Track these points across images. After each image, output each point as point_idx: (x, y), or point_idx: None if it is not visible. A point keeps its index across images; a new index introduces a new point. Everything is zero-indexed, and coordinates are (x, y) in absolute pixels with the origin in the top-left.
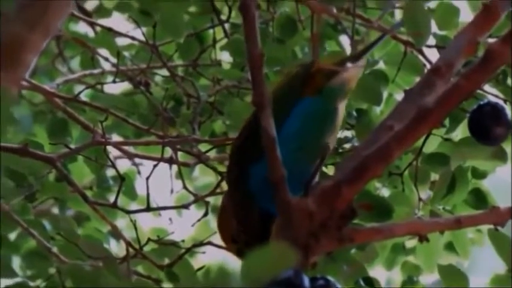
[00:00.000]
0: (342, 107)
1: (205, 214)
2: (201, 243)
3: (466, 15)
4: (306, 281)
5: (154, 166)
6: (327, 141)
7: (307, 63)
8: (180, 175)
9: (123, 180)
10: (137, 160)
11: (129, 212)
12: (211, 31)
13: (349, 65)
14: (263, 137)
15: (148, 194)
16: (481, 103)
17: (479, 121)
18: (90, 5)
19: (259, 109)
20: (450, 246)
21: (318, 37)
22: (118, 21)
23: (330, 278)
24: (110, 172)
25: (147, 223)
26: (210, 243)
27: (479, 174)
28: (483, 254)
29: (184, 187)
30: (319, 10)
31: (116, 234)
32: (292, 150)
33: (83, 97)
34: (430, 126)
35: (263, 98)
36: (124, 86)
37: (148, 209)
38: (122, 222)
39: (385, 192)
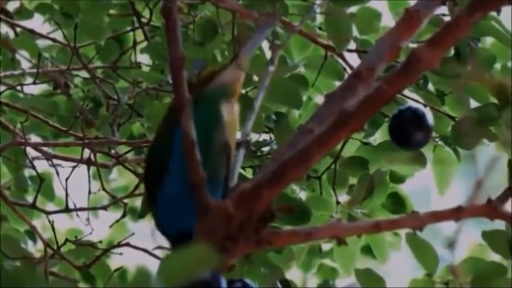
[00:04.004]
0: (230, 107)
1: (123, 215)
2: (119, 245)
3: (388, 20)
4: (223, 283)
5: (74, 167)
6: (221, 141)
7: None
8: (98, 176)
9: (42, 181)
10: (55, 161)
11: (48, 213)
12: (131, 33)
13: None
14: (183, 139)
15: (67, 195)
16: (402, 108)
17: (400, 126)
18: (10, 6)
19: (180, 111)
20: (368, 250)
21: (239, 41)
22: (38, 22)
23: (247, 280)
24: (27, 172)
25: (63, 224)
26: (127, 244)
27: (398, 179)
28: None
29: (103, 188)
30: (242, 14)
31: (35, 234)
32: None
33: (3, 98)
34: (351, 130)
35: (184, 100)
36: (44, 87)
37: (67, 209)
38: (37, 222)
39: (303, 195)
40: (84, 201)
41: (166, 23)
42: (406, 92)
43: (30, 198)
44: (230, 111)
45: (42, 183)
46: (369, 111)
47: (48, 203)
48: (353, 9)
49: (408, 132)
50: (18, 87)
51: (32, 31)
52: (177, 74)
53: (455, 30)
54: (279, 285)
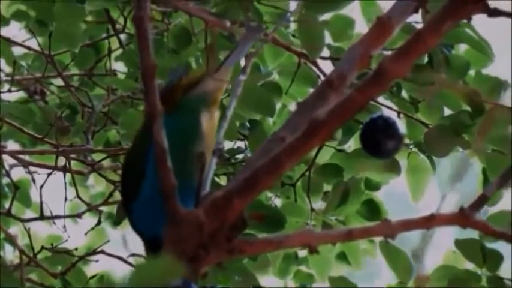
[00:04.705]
0: (209, 116)
1: (98, 223)
2: (94, 252)
3: (362, 27)
4: None
5: (49, 175)
6: (198, 150)
7: (169, 82)
8: (73, 184)
9: (17, 188)
10: (32, 168)
11: (23, 221)
12: (106, 41)
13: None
14: (155, 147)
15: (41, 203)
16: (373, 116)
17: (371, 135)
18: None
19: (151, 119)
20: (343, 256)
21: (212, 49)
22: (14, 30)
23: (219, 287)
24: (5, 180)
25: (41, 230)
26: (102, 251)
27: (373, 186)
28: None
29: (78, 196)
30: (213, 23)
31: (11, 242)
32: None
33: None
34: (322, 138)
35: (155, 108)
36: (19, 95)
37: (42, 217)
38: (15, 229)
39: (277, 202)
40: (62, 208)
41: (138, 32)
42: (380, 99)
43: (8, 206)
44: (209, 119)
45: (18, 190)
46: (339, 120)
47: (27, 210)
48: (327, 16)
49: (379, 141)
50: None
51: (7, 39)
52: (148, 83)
53: (426, 39)
54: None
